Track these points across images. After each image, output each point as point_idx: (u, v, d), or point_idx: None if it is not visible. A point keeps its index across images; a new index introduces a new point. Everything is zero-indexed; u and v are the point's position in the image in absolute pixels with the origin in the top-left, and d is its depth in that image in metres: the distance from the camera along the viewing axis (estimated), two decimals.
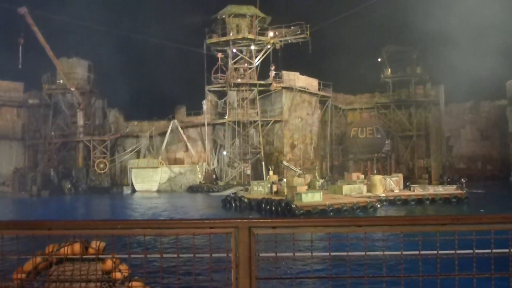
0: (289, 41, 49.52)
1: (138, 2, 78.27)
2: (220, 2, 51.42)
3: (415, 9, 50.35)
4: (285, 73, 49.19)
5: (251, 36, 47.92)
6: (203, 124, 51.23)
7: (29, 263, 3.34)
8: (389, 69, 55.04)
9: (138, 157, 52.29)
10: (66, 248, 3.30)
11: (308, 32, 48.86)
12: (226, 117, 49.46)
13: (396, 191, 32.49)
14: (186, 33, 69.06)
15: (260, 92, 49.04)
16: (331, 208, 25.49)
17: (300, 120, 49.95)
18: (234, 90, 48.94)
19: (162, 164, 49.62)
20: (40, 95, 52.42)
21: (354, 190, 30.88)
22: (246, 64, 49.56)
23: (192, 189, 46.72)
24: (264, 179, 40.25)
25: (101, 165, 50.14)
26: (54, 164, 50.22)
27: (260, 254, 2.45)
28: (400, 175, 35.94)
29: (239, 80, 48.66)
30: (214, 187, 45.56)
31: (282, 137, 48.61)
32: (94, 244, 3.48)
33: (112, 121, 55.17)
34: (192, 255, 2.56)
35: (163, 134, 52.70)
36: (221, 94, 51.33)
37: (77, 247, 3.32)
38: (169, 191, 47.97)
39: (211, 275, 2.59)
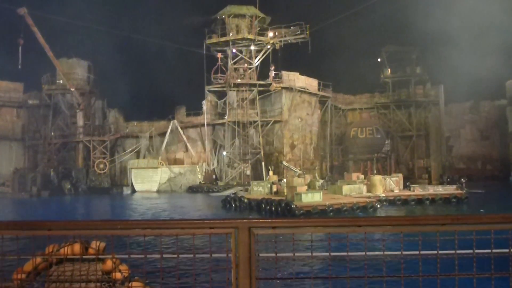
0: (289, 41, 49.53)
1: (138, 2, 78.32)
2: (220, 3, 51.50)
3: (415, 9, 50.38)
4: (284, 73, 49.19)
5: (250, 37, 47.93)
6: (203, 125, 51.24)
7: (29, 263, 3.34)
8: (389, 69, 55.07)
9: (138, 157, 52.30)
10: (66, 248, 3.30)
11: (307, 32, 48.89)
12: (226, 118, 49.47)
13: (396, 191, 32.49)
14: (186, 34, 69.19)
15: (259, 92, 49.05)
16: (331, 208, 25.48)
17: (300, 120, 49.95)
18: (234, 90, 48.94)
19: (162, 165, 49.62)
20: (40, 95, 52.42)
21: (354, 190, 30.87)
22: (246, 65, 49.57)
23: (192, 190, 46.72)
24: (264, 179, 40.25)
25: (101, 166, 50.14)
26: (54, 164, 50.22)
27: (260, 254, 2.45)
28: (400, 175, 35.93)
29: (238, 80, 48.67)
30: (214, 188, 45.56)
31: (282, 137, 48.61)
32: (94, 244, 3.48)
33: (112, 121, 55.19)
34: (192, 255, 2.56)
35: (163, 134, 52.70)
36: (221, 95, 51.33)
37: (77, 247, 3.31)
38: (169, 192, 47.97)
39: (211, 275, 2.59)
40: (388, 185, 32.94)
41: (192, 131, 53.02)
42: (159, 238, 2.56)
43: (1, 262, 2.66)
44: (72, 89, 49.74)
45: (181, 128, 52.09)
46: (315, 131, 52.11)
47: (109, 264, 3.42)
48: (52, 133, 51.26)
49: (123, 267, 3.45)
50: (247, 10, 49.47)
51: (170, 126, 51.84)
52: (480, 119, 54.63)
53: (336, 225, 2.49)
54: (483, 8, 44.78)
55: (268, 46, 49.14)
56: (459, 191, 32.02)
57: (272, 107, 49.99)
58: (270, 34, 49.28)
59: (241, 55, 49.81)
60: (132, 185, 50.08)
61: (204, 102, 52.03)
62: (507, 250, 2.41)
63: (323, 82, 52.95)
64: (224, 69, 49.45)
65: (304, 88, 50.13)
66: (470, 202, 30.62)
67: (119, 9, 72.20)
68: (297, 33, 49.38)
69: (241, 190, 38.82)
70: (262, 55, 49.97)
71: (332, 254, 2.51)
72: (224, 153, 49.75)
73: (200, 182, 48.50)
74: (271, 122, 49.02)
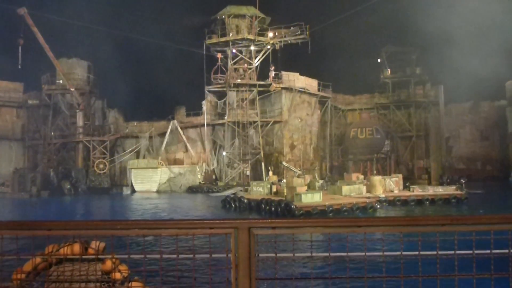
0: (289, 42, 49.53)
1: (138, 2, 78.23)
2: (220, 3, 51.50)
3: (415, 10, 50.40)
4: (284, 74, 49.20)
5: (250, 37, 47.94)
6: (203, 125, 51.24)
7: (28, 263, 3.34)
8: (389, 69, 55.08)
9: (137, 157, 52.29)
10: (65, 248, 3.30)
11: (307, 32, 48.89)
12: (225, 118, 49.46)
13: (396, 191, 32.48)
14: (186, 34, 68.91)
15: (259, 93, 49.04)
16: (330, 208, 25.48)
17: (299, 120, 49.95)
18: (234, 91, 48.94)
19: (162, 165, 49.61)
20: (39, 95, 52.38)
21: (353, 190, 30.86)
22: (245, 65, 49.58)
23: (192, 190, 46.71)
24: (264, 179, 40.23)
25: (101, 166, 50.13)
26: (53, 164, 50.21)
27: (260, 255, 2.45)
28: (400, 175, 35.91)
29: (238, 80, 48.67)
30: (214, 188, 45.55)
31: (282, 138, 48.61)
32: (93, 244, 3.48)
33: (112, 121, 55.20)
34: (192, 255, 2.56)
35: (162, 134, 52.70)
36: (221, 95, 51.32)
37: (76, 247, 3.32)
38: (168, 192, 47.97)
39: (211, 275, 2.59)
40: (388, 185, 32.93)
41: (192, 131, 53.02)
42: (158, 238, 2.56)
43: (1, 262, 2.66)
44: (72, 89, 49.73)
45: (181, 128, 52.08)
46: (315, 132, 52.12)
47: (108, 264, 3.42)
48: (52, 133, 51.24)
49: (123, 267, 3.46)
50: (247, 10, 49.47)
51: (170, 126, 51.83)
52: (480, 120, 54.66)
53: (335, 226, 2.49)
54: (483, 8, 44.81)
55: (268, 47, 49.15)
56: (459, 192, 32.01)
57: (272, 108, 49.99)
58: (270, 34, 49.29)
59: (241, 55, 49.82)
60: (131, 185, 50.07)
61: (204, 102, 52.03)
62: (506, 251, 2.41)
63: (323, 83, 52.98)
64: (224, 69, 49.47)
65: (304, 89, 50.13)
66: (469, 203, 30.61)
67: (119, 9, 72.12)
68: (297, 33, 49.39)
69: (241, 191, 38.81)
70: (262, 56, 49.99)
71: (332, 254, 2.51)
72: (224, 153, 49.75)
73: (200, 182, 48.50)
74: (271, 123, 49.02)
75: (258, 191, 32.92)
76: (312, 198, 26.31)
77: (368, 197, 29.23)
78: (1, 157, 50.32)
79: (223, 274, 2.47)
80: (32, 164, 51.35)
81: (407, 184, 35.27)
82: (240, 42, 49.16)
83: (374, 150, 49.29)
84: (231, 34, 48.52)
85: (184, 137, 51.86)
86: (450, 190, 32.92)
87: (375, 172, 44.92)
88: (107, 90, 56.05)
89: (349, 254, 2.63)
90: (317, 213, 24.91)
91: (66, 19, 51.79)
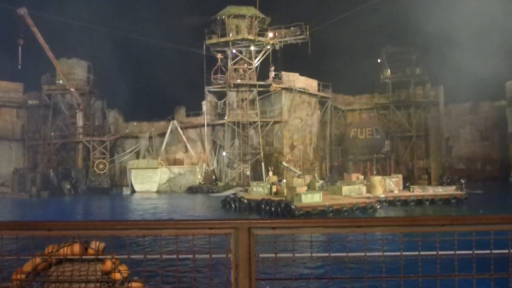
0: (289, 42, 49.54)
1: (138, 2, 78.31)
2: (220, 3, 51.51)
3: (415, 10, 50.44)
4: (284, 74, 49.20)
5: (250, 37, 47.94)
6: (203, 125, 51.24)
7: (28, 263, 3.34)
8: (389, 70, 55.08)
9: (137, 157, 52.29)
10: (65, 248, 3.30)
11: (307, 33, 48.89)
12: (225, 118, 49.45)
13: (396, 191, 32.48)
14: (186, 34, 68.93)
15: (259, 93, 49.05)
16: (330, 209, 25.48)
17: (299, 121, 49.95)
18: (234, 91, 48.94)
19: (162, 165, 49.61)
20: (39, 95, 52.38)
21: (353, 191, 30.86)
22: (245, 65, 49.58)
23: (192, 190, 46.70)
24: (264, 180, 40.23)
25: (101, 166, 50.13)
26: (53, 164, 50.20)
27: (260, 255, 2.45)
28: (400, 175, 35.90)
29: (238, 80, 48.66)
30: (214, 188, 45.52)
31: (282, 138, 48.61)
32: (93, 244, 3.48)
33: (112, 121, 55.20)
34: (191, 255, 2.56)
35: (162, 135, 52.70)
36: (221, 95, 51.32)
37: (76, 247, 3.32)
38: (168, 192, 47.96)
39: (210, 275, 2.59)
40: (388, 185, 32.93)
41: (191, 132, 53.02)
42: (158, 238, 2.56)
43: (1, 262, 2.66)
44: (72, 90, 49.72)
45: (181, 128, 52.08)
46: (314, 132, 52.12)
47: (108, 264, 3.42)
48: (52, 133, 51.23)
49: (123, 267, 3.46)
50: (247, 10, 49.48)
51: (169, 127, 51.82)
52: (480, 120, 54.65)
53: (335, 226, 2.49)
54: (483, 9, 44.86)
55: (268, 47, 49.16)
56: (459, 192, 32.01)
57: (272, 108, 50.00)
58: (270, 34, 49.29)
59: (241, 56, 49.83)
60: (131, 185, 50.07)
61: (204, 102, 52.03)
62: (506, 251, 2.41)
63: (323, 83, 52.97)
64: (224, 69, 49.47)
65: (304, 89, 50.13)
66: (469, 203, 30.60)
67: (119, 9, 72.20)
68: (297, 33, 49.40)
69: (241, 191, 38.81)
70: (262, 56, 49.99)
71: (332, 254, 2.51)
72: (224, 153, 49.74)
73: (199, 183, 48.49)
74: (271, 123, 49.01)
75: (258, 191, 32.92)
76: (312, 199, 26.31)
77: (368, 197, 29.22)
78: (1, 157, 50.31)
79: (223, 274, 2.47)
80: (32, 164, 51.35)
81: (407, 184, 35.26)
82: (240, 42, 49.16)
83: (374, 150, 49.29)
84: (231, 34, 48.52)
85: (184, 137, 51.86)
86: (450, 190, 32.92)
87: (375, 172, 44.92)
88: (107, 90, 56.13)
89: (349, 254, 2.63)
90: (317, 214, 24.90)
91: (66, 19, 51.96)
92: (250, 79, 48.95)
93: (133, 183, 49.89)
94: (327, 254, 2.53)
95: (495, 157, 53.71)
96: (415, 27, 49.34)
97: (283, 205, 25.94)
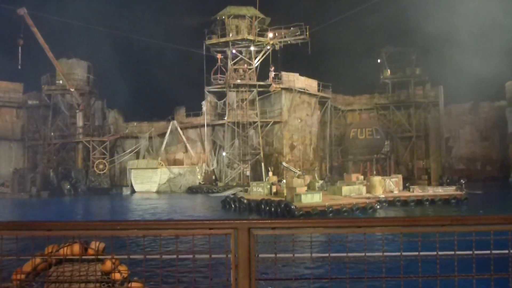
0: (289, 42, 49.53)
1: (138, 2, 78.32)
2: (220, 3, 51.51)
3: (415, 10, 50.40)
4: (284, 74, 49.20)
5: (250, 37, 47.94)
6: (203, 125, 51.24)
7: (28, 263, 3.33)
8: (389, 70, 55.09)
9: (137, 158, 52.29)
10: (65, 248, 3.30)
11: (307, 33, 48.89)
12: (225, 118, 49.45)
13: (396, 192, 32.47)
14: (186, 34, 69.03)
15: (259, 93, 49.05)
16: (330, 209, 25.47)
17: (299, 121, 49.95)
18: (234, 91, 48.95)
19: (162, 165, 49.60)
20: (39, 96, 52.39)
21: (353, 191, 30.85)
22: (245, 65, 49.58)
23: (192, 190, 46.68)
24: (264, 180, 40.21)
25: (101, 166, 50.13)
26: (53, 165, 50.20)
27: (260, 255, 2.45)
28: (400, 176, 35.89)
29: (238, 81, 48.66)
30: (214, 188, 45.51)
31: (282, 138, 48.61)
32: (93, 244, 3.48)
33: (112, 122, 55.21)
34: (191, 256, 2.56)
35: (162, 135, 52.70)
36: (221, 95, 51.33)
37: (76, 247, 3.31)
38: (168, 192, 47.96)
39: (210, 276, 2.59)
40: (388, 186, 32.93)
41: (191, 132, 53.02)
42: (158, 238, 2.56)
43: (1, 262, 2.66)
44: (72, 90, 49.73)
45: (181, 128, 52.08)
46: (314, 132, 52.11)
47: (108, 264, 3.41)
48: (52, 134, 51.23)
49: (123, 267, 3.45)
50: (247, 11, 49.48)
51: (169, 127, 51.82)
52: (480, 120, 54.67)
53: (335, 226, 2.49)
54: (483, 9, 44.85)
55: (268, 47, 49.17)
56: (459, 192, 32.00)
57: (271, 108, 50.00)
58: (270, 35, 49.29)
59: (241, 56, 49.83)
60: (131, 185, 50.07)
61: (203, 102, 52.03)
62: (506, 251, 2.41)
63: (323, 83, 52.97)
64: (223, 69, 49.47)
65: (303, 89, 50.13)
66: (469, 203, 30.60)
67: (119, 9, 72.21)
68: (297, 34, 49.39)
69: (241, 191, 38.80)
70: (262, 56, 50.00)
71: (332, 255, 2.51)
72: (224, 153, 49.74)
73: (199, 183, 48.48)
74: (271, 123, 49.01)
75: (258, 191, 32.91)
76: (312, 199, 26.30)
77: (368, 198, 29.20)
78: (1, 157, 50.32)
79: (223, 275, 2.47)
80: (32, 164, 51.35)
81: (407, 185, 35.26)
82: (240, 42, 49.16)
83: (374, 150, 49.30)
84: (231, 35, 48.53)
85: (184, 137, 51.86)
86: (449, 190, 32.90)
87: (375, 172, 44.92)
88: (107, 90, 56.13)
89: (349, 254, 2.63)
90: (317, 214, 24.89)
91: (66, 19, 51.94)
92: (250, 79, 48.95)
93: (133, 183, 49.88)
94: (327, 254, 2.53)
95: (495, 158, 53.73)
96: (415, 27, 49.36)
97: (283, 205, 25.94)
